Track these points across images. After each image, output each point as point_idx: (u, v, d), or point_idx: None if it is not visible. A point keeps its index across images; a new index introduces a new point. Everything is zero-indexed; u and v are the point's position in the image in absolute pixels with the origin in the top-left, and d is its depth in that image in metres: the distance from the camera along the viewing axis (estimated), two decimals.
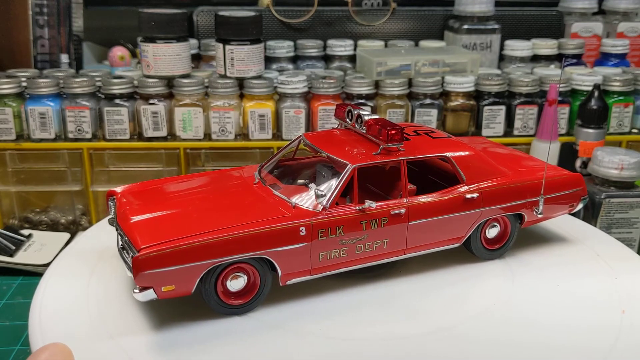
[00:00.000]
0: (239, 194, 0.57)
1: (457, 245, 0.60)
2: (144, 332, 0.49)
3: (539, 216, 0.62)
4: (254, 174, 0.60)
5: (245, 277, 0.51)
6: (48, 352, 0.40)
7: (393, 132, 0.55)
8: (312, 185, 0.56)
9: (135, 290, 0.48)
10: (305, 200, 0.53)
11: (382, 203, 0.55)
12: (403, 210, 0.55)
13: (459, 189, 0.58)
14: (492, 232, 0.61)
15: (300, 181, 0.61)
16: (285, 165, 0.63)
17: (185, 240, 0.48)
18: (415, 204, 0.56)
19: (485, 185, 0.59)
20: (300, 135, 0.61)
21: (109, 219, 0.58)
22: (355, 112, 0.58)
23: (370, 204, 0.53)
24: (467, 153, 0.60)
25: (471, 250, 0.61)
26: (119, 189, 0.58)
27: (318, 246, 0.52)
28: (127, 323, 0.50)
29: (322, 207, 0.53)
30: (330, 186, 0.53)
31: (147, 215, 0.53)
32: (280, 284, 0.53)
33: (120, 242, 0.55)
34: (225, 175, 0.62)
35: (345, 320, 0.51)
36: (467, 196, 0.58)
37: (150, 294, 0.48)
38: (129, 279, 0.56)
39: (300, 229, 0.51)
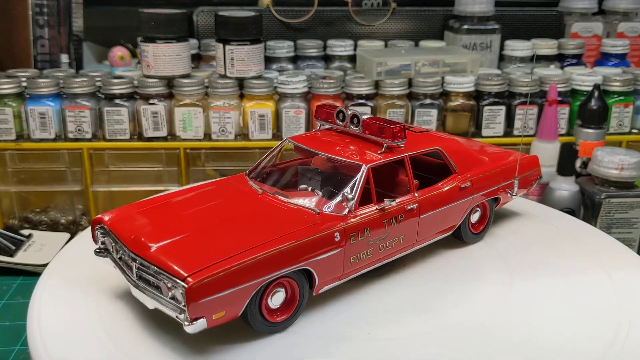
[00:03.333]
0: (251, 206, 0.53)
1: (449, 234, 0.62)
2: (143, 332, 0.49)
3: (514, 197, 0.67)
4: (249, 183, 0.57)
5: (284, 292, 0.49)
6: None
7: (397, 129, 0.55)
8: (316, 190, 0.55)
9: (185, 323, 0.43)
10: (328, 205, 0.52)
11: (399, 200, 0.55)
12: (415, 205, 0.56)
13: (454, 180, 0.60)
14: (475, 217, 0.64)
15: (302, 186, 0.58)
16: (273, 172, 0.60)
17: (232, 261, 0.45)
18: (424, 198, 0.57)
19: (473, 174, 0.62)
20: (285, 139, 0.60)
21: (96, 250, 0.53)
22: (350, 113, 0.58)
23: (390, 202, 0.53)
24: (453, 145, 0.62)
25: (460, 237, 0.63)
26: (106, 217, 0.52)
27: (350, 250, 0.51)
28: (126, 323, 0.50)
29: (348, 210, 0.52)
30: (351, 189, 0.52)
31: (167, 240, 0.48)
32: (314, 294, 0.51)
33: (134, 275, 0.48)
34: (220, 188, 0.57)
35: (340, 321, 0.51)
36: (462, 185, 0.60)
37: (201, 324, 0.44)
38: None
39: (335, 234, 0.50)
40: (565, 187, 0.84)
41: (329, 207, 0.52)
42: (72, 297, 0.54)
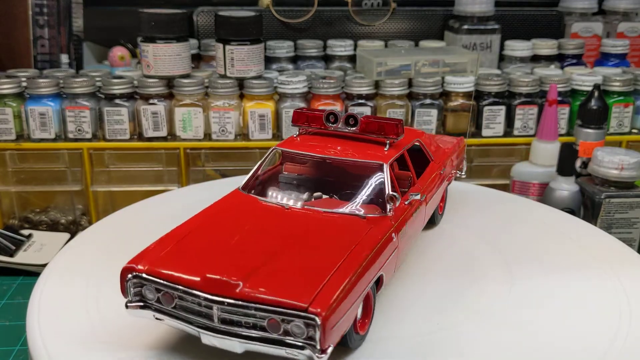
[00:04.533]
0: (293, 223, 0.50)
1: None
2: (143, 332, 0.49)
3: (463, 176, 0.71)
4: (260, 199, 0.53)
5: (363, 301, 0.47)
6: None
7: (397, 125, 0.55)
8: (335, 196, 0.54)
9: (317, 356, 0.40)
10: (364, 209, 0.51)
11: (410, 192, 0.55)
12: (424, 196, 0.57)
13: (433, 167, 0.62)
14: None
15: (316, 194, 0.55)
16: (272, 184, 0.58)
17: (339, 282, 0.42)
18: (427, 187, 0.59)
19: (442, 160, 0.65)
20: (273, 149, 0.57)
21: (129, 304, 0.45)
22: (343, 114, 0.57)
23: (414, 196, 0.53)
24: (423, 135, 0.64)
25: (432, 221, 0.66)
26: (139, 265, 0.44)
27: (399, 249, 0.51)
28: (126, 323, 0.50)
29: (390, 210, 0.51)
30: (378, 191, 0.52)
31: (249, 274, 0.42)
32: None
33: (215, 320, 0.42)
34: (233, 209, 0.52)
35: None
36: (440, 172, 0.63)
37: (329, 353, 0.40)
38: None
39: (392, 235, 0.50)
40: (565, 187, 0.84)
41: (370, 211, 0.51)
42: (72, 297, 0.54)
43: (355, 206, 0.51)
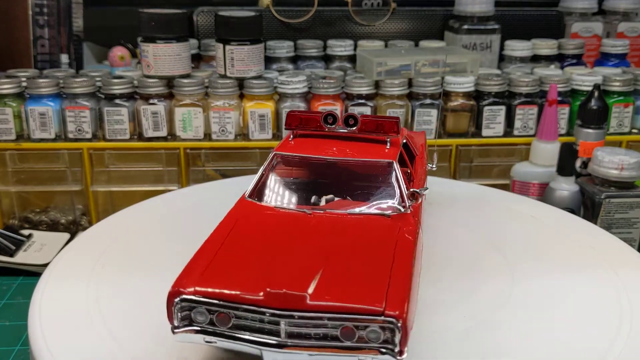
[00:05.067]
0: (324, 228, 0.48)
1: None
2: (144, 332, 0.49)
3: (434, 169, 0.70)
4: (275, 206, 0.51)
5: None
6: None
7: (395, 123, 0.55)
8: (348, 197, 0.53)
9: (399, 358, 0.39)
10: (387, 208, 0.51)
11: (413, 187, 0.55)
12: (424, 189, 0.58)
13: (419, 161, 0.63)
14: None
15: (328, 197, 0.54)
16: (279, 189, 0.55)
17: (403, 284, 0.42)
18: (422, 182, 0.60)
19: (422, 154, 0.66)
20: (273, 154, 0.55)
21: (176, 330, 0.42)
22: (343, 115, 0.57)
23: (423, 191, 0.53)
24: (406, 131, 0.64)
25: None
26: (187, 287, 0.41)
27: (419, 243, 0.51)
28: (127, 323, 0.50)
29: (409, 206, 0.51)
30: (395, 188, 0.52)
31: (312, 284, 0.41)
32: None
33: (282, 335, 0.40)
34: (252, 219, 0.50)
35: None
36: (425, 166, 0.65)
37: (406, 353, 0.40)
38: (131, 279, 0.56)
39: (419, 231, 0.50)
40: (565, 187, 0.84)
41: (390, 210, 0.51)
42: (72, 297, 0.54)
43: (376, 206, 0.51)
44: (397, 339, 0.39)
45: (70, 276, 0.57)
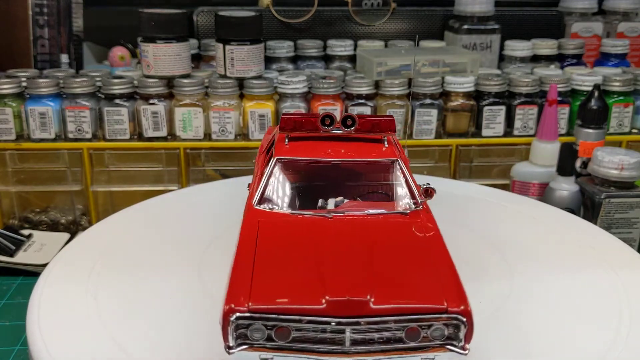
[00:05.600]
0: (352, 230, 0.48)
1: None
2: (144, 332, 0.49)
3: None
4: (290, 212, 0.50)
5: None
6: None
7: (391, 121, 0.55)
8: (358, 198, 0.53)
9: (467, 347, 0.40)
10: (402, 206, 0.51)
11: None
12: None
13: (404, 157, 0.62)
14: None
15: (338, 199, 0.53)
16: (284, 194, 0.54)
17: (452, 278, 0.42)
18: (412, 177, 0.59)
19: (402, 150, 0.63)
20: (275, 159, 0.53)
21: (231, 350, 0.40)
22: (340, 116, 0.57)
23: (427, 185, 0.53)
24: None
25: None
26: (242, 305, 0.39)
27: None
28: (127, 322, 0.50)
29: (421, 202, 0.51)
30: (404, 186, 0.52)
31: (370, 288, 0.40)
32: None
33: (346, 343, 0.40)
34: (273, 226, 0.49)
35: None
36: (407, 162, 0.62)
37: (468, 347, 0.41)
38: (131, 279, 0.56)
39: (437, 225, 0.50)
40: (565, 187, 0.84)
41: (406, 207, 0.51)
42: (72, 297, 0.54)
43: (390, 204, 0.51)
44: (461, 334, 0.40)
45: (70, 276, 0.57)
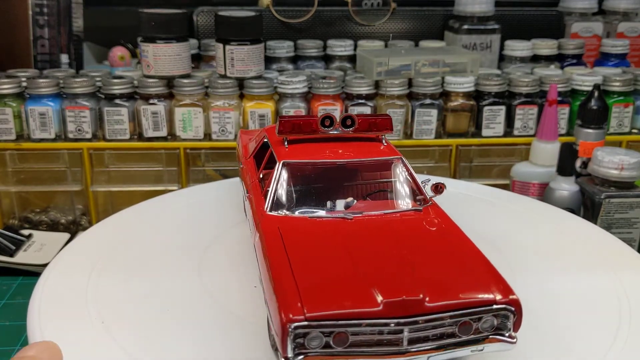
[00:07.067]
0: (374, 230, 0.48)
1: None
2: (144, 331, 0.49)
3: None
4: (308, 216, 0.50)
5: None
6: (35, 349, 0.39)
7: (388, 120, 0.55)
8: (368, 198, 0.53)
9: (513, 341, 0.42)
10: (414, 202, 0.51)
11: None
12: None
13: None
14: None
15: (348, 200, 0.52)
16: (294, 199, 0.52)
17: (490, 270, 0.43)
18: None
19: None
20: (281, 162, 0.53)
21: (310, 356, 0.39)
22: (340, 116, 0.57)
23: (427, 179, 0.54)
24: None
25: None
26: (298, 314, 0.38)
27: None
28: (126, 323, 0.50)
29: (429, 198, 0.52)
30: (410, 184, 0.53)
31: (417, 286, 0.41)
32: None
33: (404, 343, 0.40)
34: (295, 231, 0.48)
35: None
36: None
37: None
38: (131, 279, 0.56)
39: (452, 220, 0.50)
40: (565, 187, 0.84)
41: (418, 203, 0.51)
42: (72, 297, 0.54)
43: (402, 201, 0.51)
44: (509, 324, 0.41)
45: (70, 276, 0.57)
